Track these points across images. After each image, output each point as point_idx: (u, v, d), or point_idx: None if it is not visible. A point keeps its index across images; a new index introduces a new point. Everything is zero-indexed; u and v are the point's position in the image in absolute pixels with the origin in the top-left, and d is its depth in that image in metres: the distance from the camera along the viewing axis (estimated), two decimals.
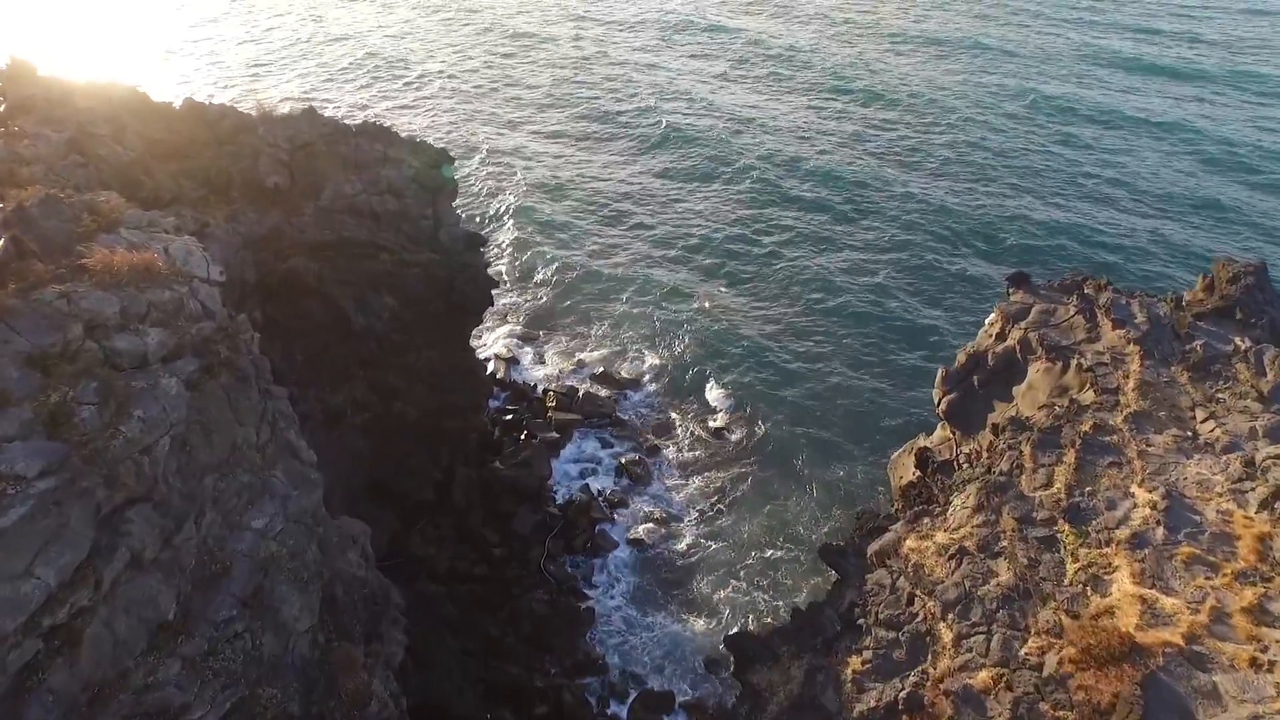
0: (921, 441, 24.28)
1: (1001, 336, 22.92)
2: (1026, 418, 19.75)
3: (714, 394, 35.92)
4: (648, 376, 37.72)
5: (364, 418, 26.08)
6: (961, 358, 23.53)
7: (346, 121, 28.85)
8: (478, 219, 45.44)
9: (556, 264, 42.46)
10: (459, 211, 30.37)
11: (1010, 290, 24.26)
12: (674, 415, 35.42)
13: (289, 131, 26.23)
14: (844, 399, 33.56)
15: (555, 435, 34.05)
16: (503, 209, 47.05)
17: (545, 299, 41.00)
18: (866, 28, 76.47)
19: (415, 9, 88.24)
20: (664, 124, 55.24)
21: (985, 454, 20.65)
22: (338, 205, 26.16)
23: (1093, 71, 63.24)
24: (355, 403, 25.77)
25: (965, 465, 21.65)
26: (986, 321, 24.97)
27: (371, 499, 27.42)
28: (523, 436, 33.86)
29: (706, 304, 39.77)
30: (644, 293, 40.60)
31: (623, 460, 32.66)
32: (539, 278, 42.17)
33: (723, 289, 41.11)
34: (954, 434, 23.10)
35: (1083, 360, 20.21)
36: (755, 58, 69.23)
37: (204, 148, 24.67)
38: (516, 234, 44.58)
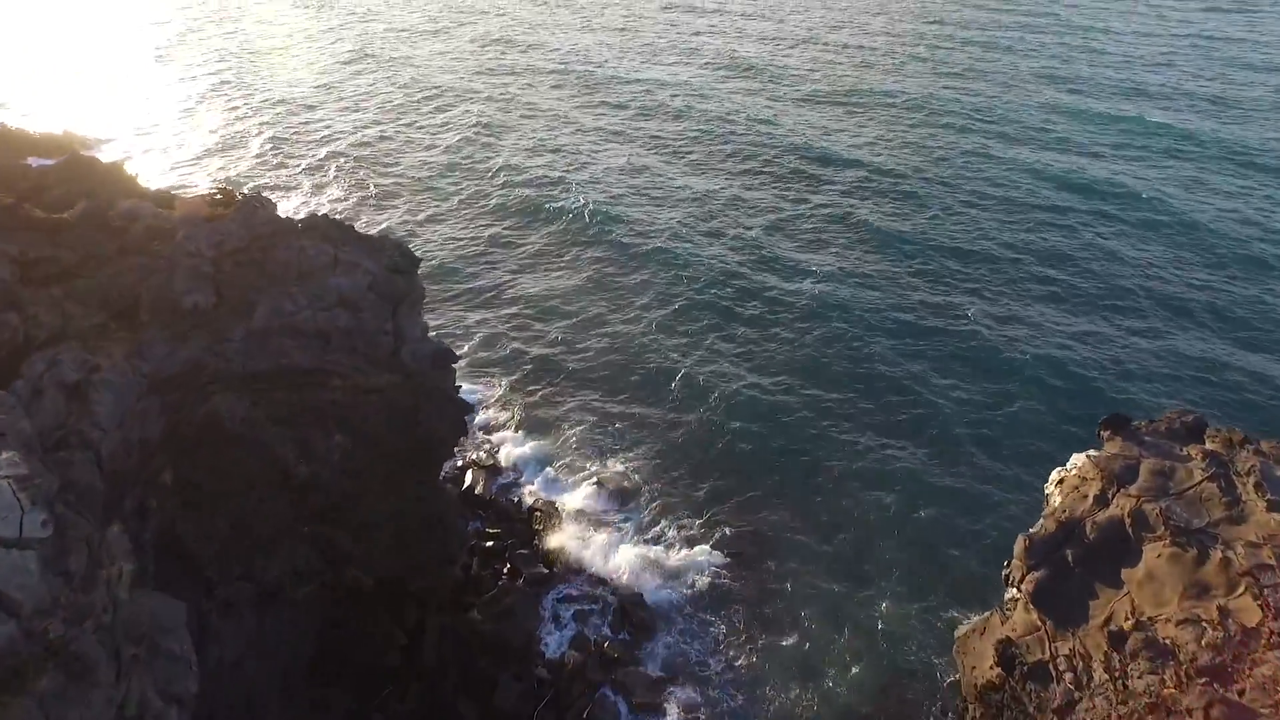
0: (1000, 627, 19.50)
1: (1102, 501, 18.29)
2: (1164, 638, 15.05)
3: (728, 508, 31.09)
4: (648, 484, 32.89)
5: (308, 590, 21.11)
6: (1050, 525, 18.84)
7: (291, 217, 24.20)
8: (441, 306, 40.15)
9: (537, 346, 37.65)
10: (426, 321, 25.56)
11: (1104, 436, 19.70)
12: (684, 532, 30.54)
13: (216, 236, 21.49)
14: (888, 520, 28.76)
15: (543, 570, 29.11)
16: (472, 285, 42.07)
17: (526, 388, 36.10)
18: (831, 92, 72.48)
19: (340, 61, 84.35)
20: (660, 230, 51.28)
21: (1101, 669, 15.95)
22: (275, 326, 21.38)
23: (1088, 140, 59.16)
24: (297, 573, 20.78)
25: (1068, 675, 16.91)
26: (1057, 478, 20.44)
27: (320, 677, 22.38)
28: (506, 570, 28.96)
29: (713, 399, 34.97)
30: (641, 380, 35.85)
31: (624, 604, 27.68)
32: (516, 364, 37.29)
33: (730, 374, 36.37)
34: (1044, 623, 18.35)
35: (1231, 554, 15.57)
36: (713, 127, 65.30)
37: (103, 263, 19.92)
38: (486, 314, 39.46)
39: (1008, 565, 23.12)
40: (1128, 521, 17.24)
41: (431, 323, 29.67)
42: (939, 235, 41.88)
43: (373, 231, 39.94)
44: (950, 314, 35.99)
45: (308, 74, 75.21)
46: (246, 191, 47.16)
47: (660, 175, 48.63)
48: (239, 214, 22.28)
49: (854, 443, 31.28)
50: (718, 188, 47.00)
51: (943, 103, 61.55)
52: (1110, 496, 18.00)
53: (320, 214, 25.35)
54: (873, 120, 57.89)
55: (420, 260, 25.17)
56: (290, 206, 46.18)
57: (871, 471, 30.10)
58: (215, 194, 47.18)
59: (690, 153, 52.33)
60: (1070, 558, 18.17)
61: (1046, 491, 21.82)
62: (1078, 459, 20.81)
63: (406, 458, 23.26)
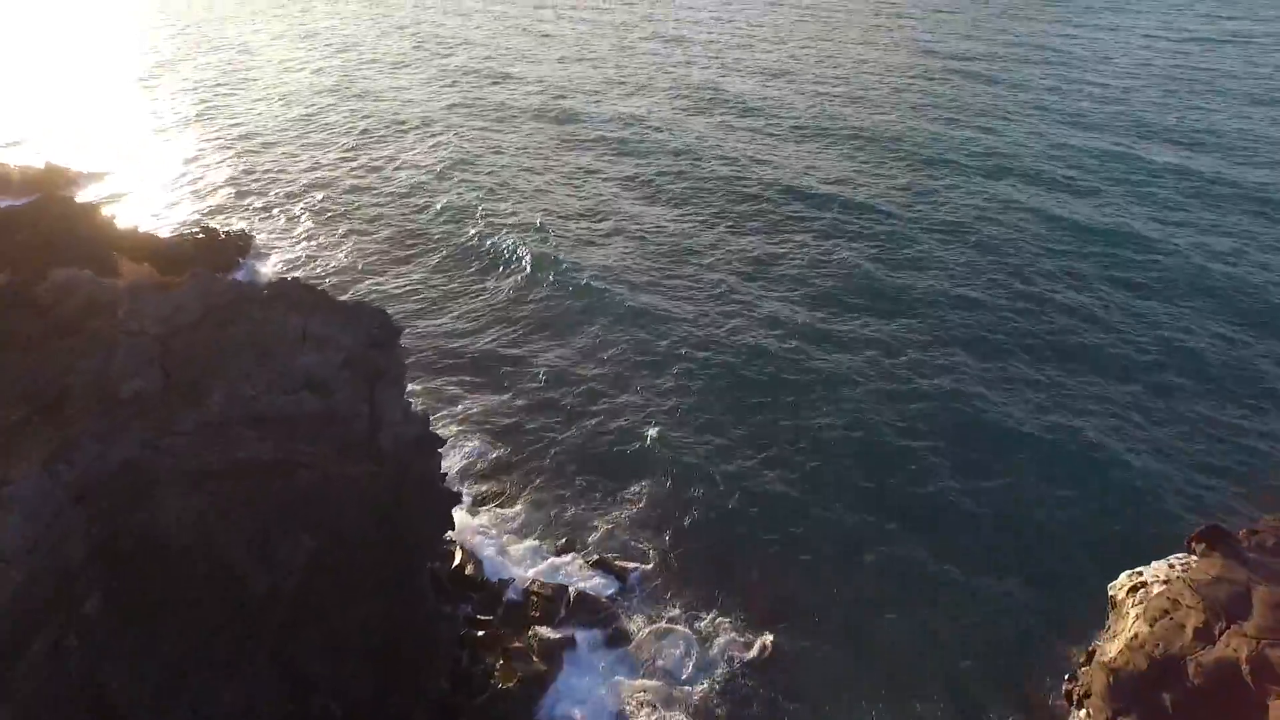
0: None
1: (1207, 636, 15.48)
2: None
3: (746, 588, 28.03)
4: (655, 559, 29.80)
5: None
6: (1139, 661, 15.99)
7: (255, 280, 21.37)
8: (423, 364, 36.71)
9: (519, 409, 34.37)
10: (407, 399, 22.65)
11: (1198, 550, 16.94)
12: (698, 625, 27.46)
13: (165, 309, 18.60)
14: (926, 615, 25.74)
15: (541, 667, 25.99)
16: (447, 339, 38.77)
17: (513, 457, 32.84)
18: (816, 128, 69.90)
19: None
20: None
21: None
22: (233, 413, 18.45)
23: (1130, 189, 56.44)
24: (252, 709, 17.68)
25: None
26: (1127, 584, 17.65)
27: None
28: (499, 664, 25.83)
29: (710, 469, 31.82)
30: (635, 450, 32.78)
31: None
32: (500, 428, 34.04)
33: (722, 446, 33.11)
34: None
35: None
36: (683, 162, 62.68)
37: (27, 346, 16.99)
38: (459, 374, 35.90)
39: (1070, 683, 20.27)
40: (1246, 669, 14.43)
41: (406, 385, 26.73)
42: (930, 282, 38.73)
43: (344, 286, 37.03)
44: (947, 374, 32.82)
45: (289, 105, 72.81)
46: (231, 230, 44.66)
47: (634, 217, 45.64)
48: (193, 283, 19.41)
49: (857, 526, 28.14)
50: (695, 230, 43.80)
51: (935, 139, 59.14)
52: (1217, 632, 15.19)
53: (290, 276, 22.48)
54: (860, 157, 55.06)
55: (402, 330, 22.30)
56: (265, 238, 43.49)
57: (873, 561, 26.99)
58: (198, 233, 44.29)
59: (667, 192, 49.39)
60: (1169, 701, 15.33)
61: (1112, 596, 19.03)
62: (1158, 569, 18.04)
63: (384, 559, 20.26)
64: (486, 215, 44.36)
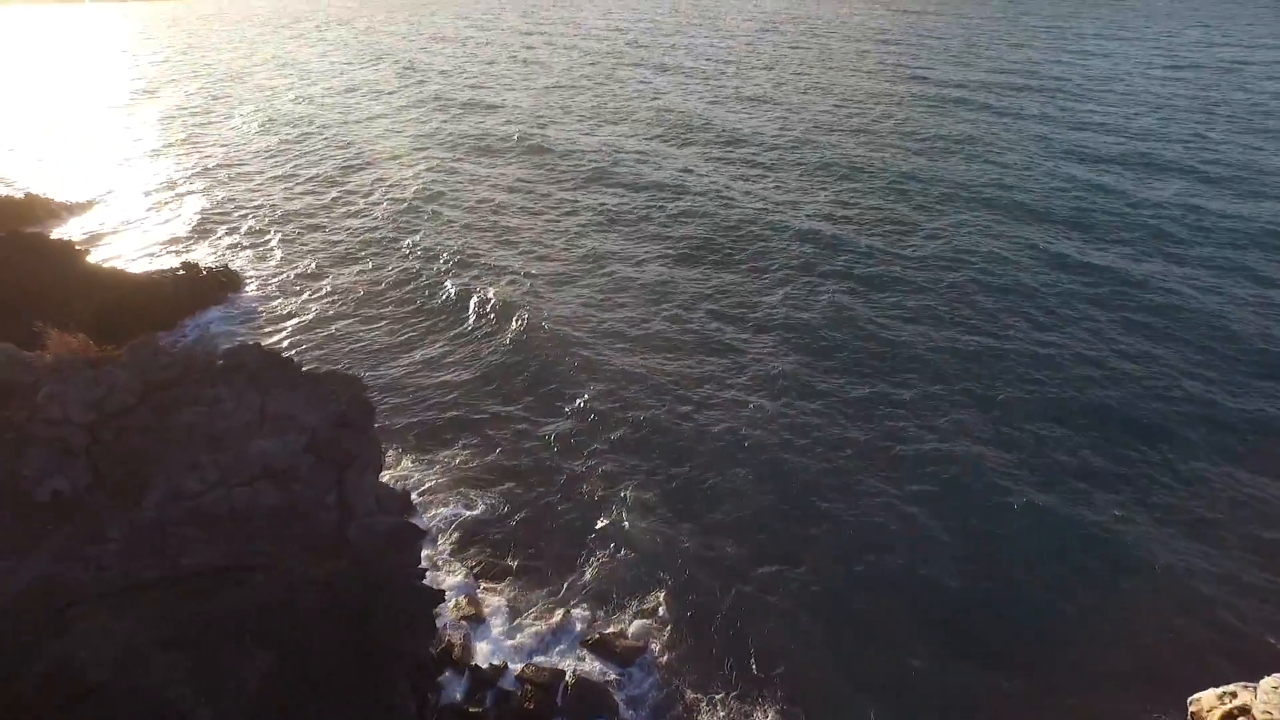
0: None
1: None
2: None
3: (758, 668, 25.17)
4: (658, 640, 26.89)
5: None
6: None
7: (211, 350, 18.66)
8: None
9: (511, 466, 31.36)
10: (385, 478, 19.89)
11: None
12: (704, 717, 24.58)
13: (95, 391, 15.89)
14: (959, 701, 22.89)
15: None
16: (416, 398, 35.69)
17: (501, 519, 29.78)
18: (800, 161, 67.72)
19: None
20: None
21: None
22: (175, 513, 15.69)
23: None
24: None
25: None
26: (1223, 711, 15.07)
27: None
28: None
29: (729, 544, 28.89)
30: (635, 505, 29.93)
31: None
32: (488, 486, 31.03)
33: (714, 524, 29.92)
34: None
35: None
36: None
37: None
38: (447, 434, 32.27)
39: None
40: None
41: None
42: (927, 329, 35.46)
43: (321, 329, 34.20)
44: (939, 431, 29.65)
45: (271, 132, 70.45)
46: (214, 266, 41.92)
47: (615, 254, 42.59)
48: (131, 357, 16.71)
49: (855, 646, 24.99)
50: (679, 269, 40.54)
51: (926, 171, 56.86)
52: None
53: (250, 342, 19.79)
54: (850, 191, 52.08)
55: (374, 408, 19.60)
56: (249, 271, 40.76)
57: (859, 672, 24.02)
58: (179, 269, 41.66)
59: (648, 228, 46.17)
60: None
61: (1194, 712, 16.46)
62: (1266, 693, 15.50)
63: (354, 675, 17.42)
64: (462, 255, 41.57)
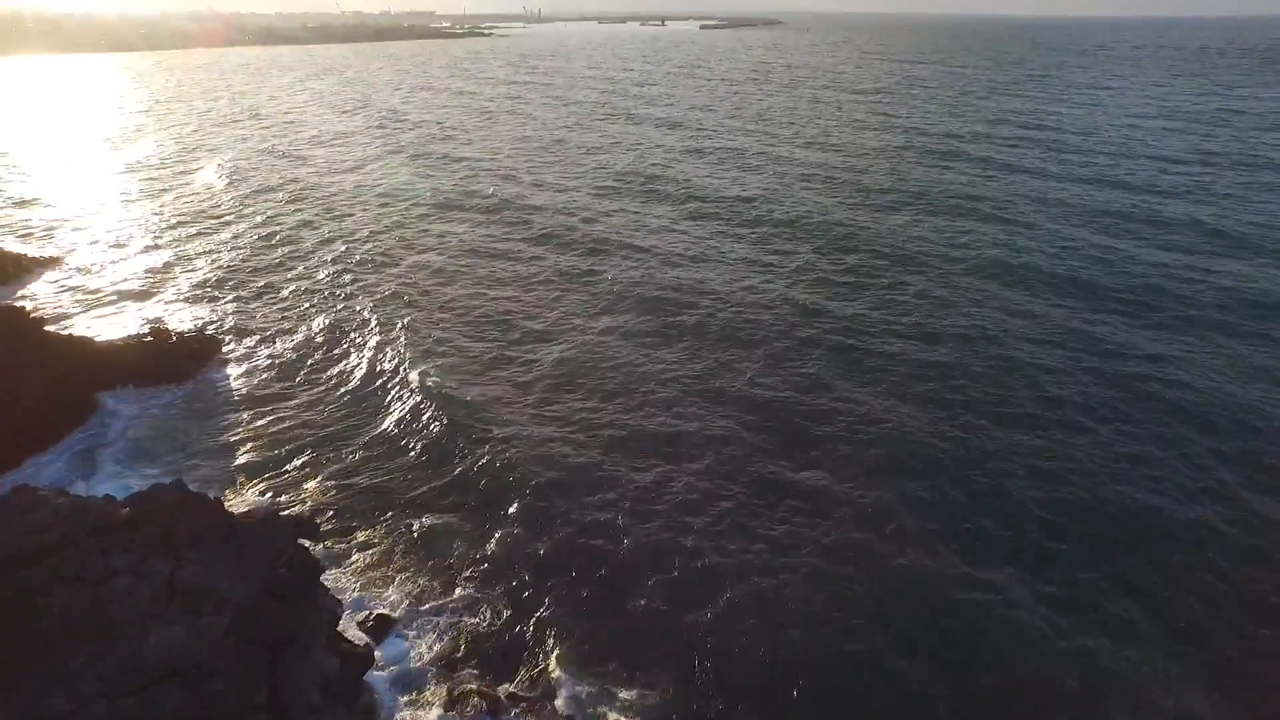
0: None
1: None
2: None
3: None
4: None
5: None
6: None
7: (111, 498, 14.57)
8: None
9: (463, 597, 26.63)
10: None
11: None
12: None
13: None
14: None
15: None
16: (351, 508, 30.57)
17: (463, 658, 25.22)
18: (779, 233, 63.31)
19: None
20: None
21: None
22: None
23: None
24: None
25: None
26: None
27: None
28: None
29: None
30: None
31: None
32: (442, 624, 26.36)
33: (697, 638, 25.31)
34: None
35: None
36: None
37: None
38: (396, 555, 27.48)
39: None
40: None
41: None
42: (924, 415, 30.22)
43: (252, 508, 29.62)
44: (948, 554, 24.79)
45: (240, 184, 66.69)
46: (186, 332, 37.42)
47: (580, 328, 37.87)
48: (6, 507, 12.66)
49: None
50: (644, 344, 35.57)
51: (914, 231, 53.39)
52: None
53: (166, 481, 15.72)
54: (835, 252, 47.20)
55: (322, 567, 15.52)
56: (226, 334, 36.44)
57: None
58: (146, 335, 36.90)
59: (607, 295, 41.74)
60: None
61: None
62: None
63: None
64: (402, 333, 37.02)
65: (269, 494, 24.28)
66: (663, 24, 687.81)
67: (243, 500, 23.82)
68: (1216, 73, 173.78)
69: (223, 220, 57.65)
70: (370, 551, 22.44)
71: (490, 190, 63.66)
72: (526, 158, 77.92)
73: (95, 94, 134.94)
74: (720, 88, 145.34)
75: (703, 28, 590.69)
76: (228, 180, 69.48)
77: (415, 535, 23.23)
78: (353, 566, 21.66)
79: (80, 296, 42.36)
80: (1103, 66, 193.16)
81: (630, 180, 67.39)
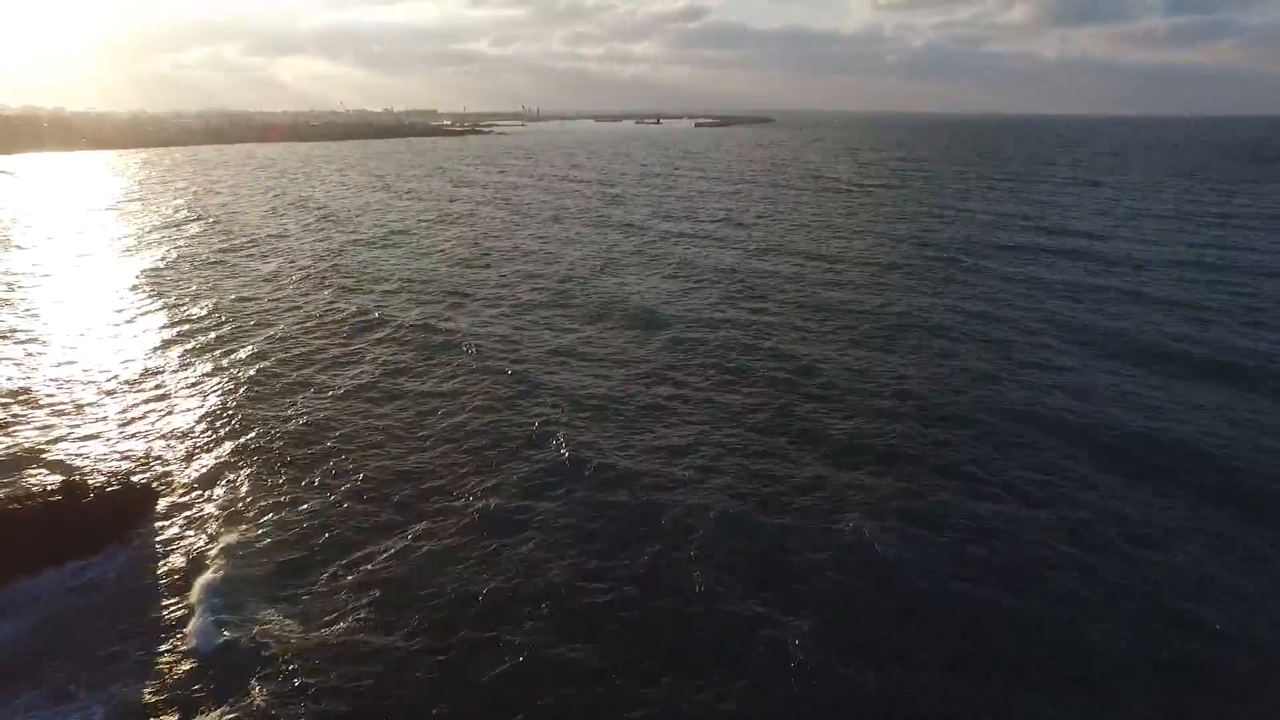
0: None
1: None
2: None
3: None
4: None
5: None
6: None
7: None
8: None
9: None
10: None
11: None
12: None
13: None
14: None
15: None
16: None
17: None
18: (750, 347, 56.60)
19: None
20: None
21: None
22: None
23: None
24: None
25: None
26: None
27: None
28: None
29: None
30: None
31: None
32: None
33: None
34: None
35: None
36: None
37: None
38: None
39: None
40: None
41: None
42: (922, 536, 25.48)
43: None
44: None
45: (163, 300, 59.75)
46: (109, 485, 26.88)
47: (526, 483, 30.90)
48: None
49: None
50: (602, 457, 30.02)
51: (896, 379, 45.45)
52: None
53: None
54: (824, 378, 40.70)
55: None
56: (160, 484, 29.40)
57: None
58: (52, 491, 25.16)
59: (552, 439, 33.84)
60: None
61: None
62: None
63: None
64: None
65: None
66: (658, 122, 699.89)
67: None
68: (1209, 169, 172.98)
69: (134, 332, 50.96)
70: None
71: (428, 315, 53.51)
72: (468, 277, 67.16)
73: (99, 192, 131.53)
74: (701, 195, 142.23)
75: (697, 125, 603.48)
76: (152, 284, 63.25)
77: None
78: None
79: (18, 431, 35.23)
80: (1090, 161, 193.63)
81: (555, 294, 60.11)
